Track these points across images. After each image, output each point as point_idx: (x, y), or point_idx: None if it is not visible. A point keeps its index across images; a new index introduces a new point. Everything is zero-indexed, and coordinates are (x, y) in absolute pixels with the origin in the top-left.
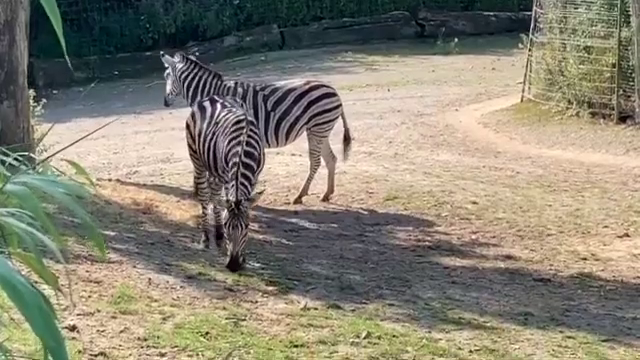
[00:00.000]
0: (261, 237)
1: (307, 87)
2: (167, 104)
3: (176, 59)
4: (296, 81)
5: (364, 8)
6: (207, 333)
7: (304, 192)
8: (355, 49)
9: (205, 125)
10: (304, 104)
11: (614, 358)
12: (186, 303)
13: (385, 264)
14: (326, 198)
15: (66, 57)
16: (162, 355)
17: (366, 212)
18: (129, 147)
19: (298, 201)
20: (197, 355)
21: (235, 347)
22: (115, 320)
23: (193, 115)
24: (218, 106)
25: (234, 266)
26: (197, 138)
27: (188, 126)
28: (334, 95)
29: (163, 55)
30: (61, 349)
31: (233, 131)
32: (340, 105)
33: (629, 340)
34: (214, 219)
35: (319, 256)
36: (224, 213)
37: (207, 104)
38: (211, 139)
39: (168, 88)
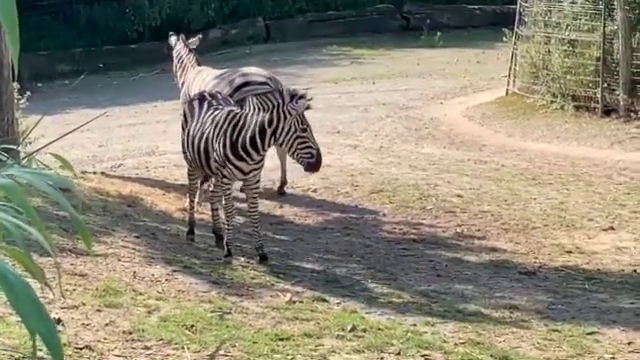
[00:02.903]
0: (246, 230)
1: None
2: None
3: (173, 40)
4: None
5: (349, 1)
6: (192, 326)
7: (283, 181)
8: (340, 42)
9: (199, 122)
10: None
11: (599, 351)
12: (171, 296)
13: (370, 257)
14: (281, 189)
15: (15, 63)
16: (147, 348)
17: (351, 205)
18: (114, 140)
19: (281, 191)
20: (182, 348)
21: (222, 341)
22: (100, 313)
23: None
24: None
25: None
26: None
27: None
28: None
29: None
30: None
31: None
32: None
33: (614, 333)
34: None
35: (304, 249)
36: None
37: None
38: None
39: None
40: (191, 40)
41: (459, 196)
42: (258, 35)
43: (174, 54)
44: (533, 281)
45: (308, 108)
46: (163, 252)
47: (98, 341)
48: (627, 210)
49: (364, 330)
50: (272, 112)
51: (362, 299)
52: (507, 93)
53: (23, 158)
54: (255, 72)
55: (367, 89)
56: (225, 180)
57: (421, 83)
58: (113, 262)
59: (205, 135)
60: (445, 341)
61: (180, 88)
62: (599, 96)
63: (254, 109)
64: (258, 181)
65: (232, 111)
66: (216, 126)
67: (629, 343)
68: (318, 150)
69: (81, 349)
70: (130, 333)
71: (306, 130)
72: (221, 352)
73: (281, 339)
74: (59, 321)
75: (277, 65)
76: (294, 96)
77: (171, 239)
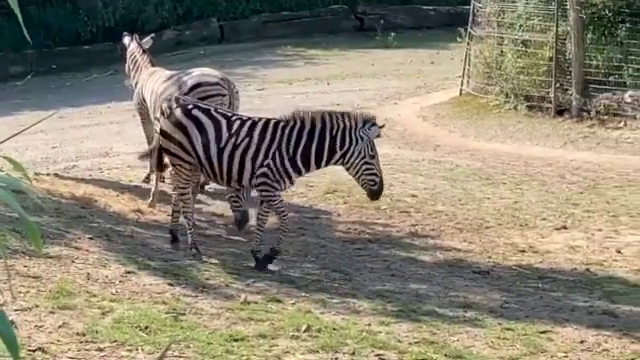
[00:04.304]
0: (201, 231)
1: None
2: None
3: (126, 40)
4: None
5: (303, 2)
6: (146, 327)
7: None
8: (294, 43)
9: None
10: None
11: (552, 349)
12: (125, 298)
13: (325, 257)
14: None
15: None
16: (101, 350)
17: (306, 206)
18: (68, 141)
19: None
20: (136, 350)
21: (171, 342)
22: (54, 315)
23: (185, 126)
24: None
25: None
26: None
27: (170, 136)
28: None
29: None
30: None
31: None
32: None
33: (566, 331)
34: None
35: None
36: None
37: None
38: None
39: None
40: (144, 40)
41: (413, 196)
42: (212, 36)
43: (128, 54)
44: (487, 280)
45: (379, 136)
46: (117, 253)
47: (51, 343)
48: (580, 209)
49: (319, 330)
50: (344, 134)
51: (317, 299)
52: (461, 93)
53: None
54: (208, 73)
55: (321, 90)
56: (277, 193)
57: (375, 83)
58: (67, 264)
59: (241, 147)
60: (399, 340)
61: (133, 89)
62: (552, 96)
63: (298, 122)
64: None
65: (275, 124)
66: (261, 139)
67: (582, 342)
68: (382, 178)
69: (34, 351)
70: (84, 335)
71: (374, 157)
72: (175, 353)
73: (235, 340)
74: (12, 323)
75: (231, 66)
76: (367, 122)
77: (125, 240)
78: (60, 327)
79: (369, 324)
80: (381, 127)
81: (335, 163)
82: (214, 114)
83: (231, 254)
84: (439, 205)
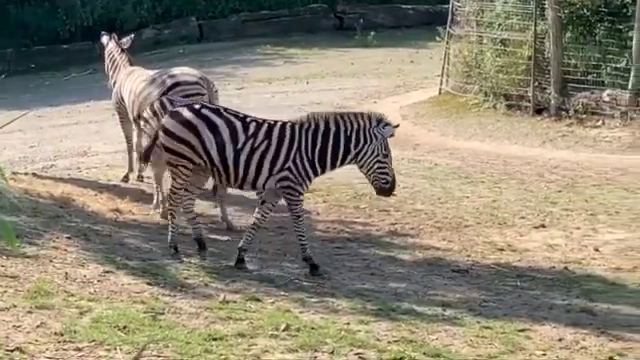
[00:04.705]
0: (180, 231)
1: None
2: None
3: (105, 40)
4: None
5: (283, 1)
6: (125, 327)
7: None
8: (274, 42)
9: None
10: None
11: (530, 347)
12: (104, 297)
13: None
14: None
15: None
16: (79, 350)
17: (285, 205)
18: (46, 141)
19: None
20: (114, 349)
21: (150, 341)
22: (31, 315)
23: (196, 126)
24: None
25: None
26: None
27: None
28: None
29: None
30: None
31: None
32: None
33: (544, 329)
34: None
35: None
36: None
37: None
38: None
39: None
40: (123, 40)
41: (392, 195)
42: (191, 35)
43: (106, 54)
44: (466, 279)
45: (392, 135)
46: (95, 253)
47: (29, 343)
48: (558, 208)
49: (298, 329)
50: (358, 134)
51: (296, 298)
52: (440, 92)
53: None
54: (186, 72)
55: (301, 89)
56: (301, 197)
57: (355, 82)
58: (45, 263)
59: (260, 150)
60: (378, 339)
61: (112, 88)
62: (531, 95)
63: (312, 124)
64: None
65: (292, 126)
66: (280, 142)
67: (560, 339)
68: (394, 177)
69: (12, 351)
70: (62, 335)
71: (387, 156)
72: (154, 353)
73: (214, 339)
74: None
75: (210, 65)
76: (380, 121)
77: (103, 240)
78: (38, 327)
79: (348, 323)
80: (395, 126)
81: (349, 162)
82: (225, 114)
83: (210, 253)
84: (418, 204)
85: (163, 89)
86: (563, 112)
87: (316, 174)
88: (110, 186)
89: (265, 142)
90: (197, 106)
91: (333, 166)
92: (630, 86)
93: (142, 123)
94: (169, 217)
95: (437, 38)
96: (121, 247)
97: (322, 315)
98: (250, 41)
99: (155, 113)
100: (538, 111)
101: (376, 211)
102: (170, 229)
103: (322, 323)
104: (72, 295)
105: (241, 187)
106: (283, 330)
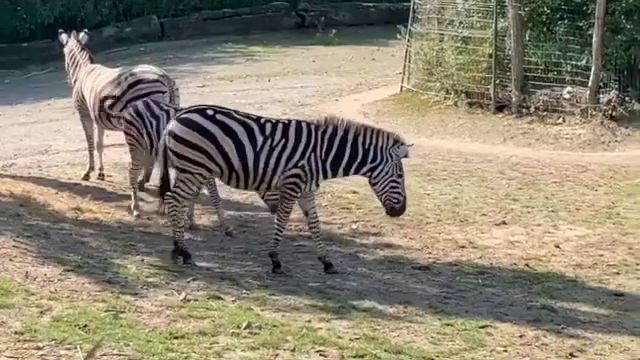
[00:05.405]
0: (141, 229)
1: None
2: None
3: (64, 37)
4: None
5: None
6: (85, 326)
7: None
8: (235, 40)
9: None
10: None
11: (491, 344)
12: (64, 296)
13: (266, 255)
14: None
15: None
16: (39, 349)
17: (247, 203)
18: (6, 139)
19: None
20: (75, 348)
21: (104, 336)
22: None
23: (212, 133)
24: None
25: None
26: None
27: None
28: None
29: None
30: None
31: None
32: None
33: (505, 326)
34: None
35: (199, 247)
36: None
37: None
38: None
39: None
40: (80, 36)
41: (354, 192)
42: (153, 33)
43: (66, 51)
44: (427, 276)
45: (406, 156)
46: (56, 252)
47: None
48: (519, 205)
49: (259, 327)
50: (376, 150)
51: (257, 296)
52: (402, 90)
53: None
54: (147, 70)
55: (263, 86)
56: (298, 195)
57: (316, 80)
58: (4, 262)
59: (277, 150)
60: (340, 337)
61: (73, 86)
62: (492, 92)
63: (330, 127)
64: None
65: (308, 125)
66: (297, 140)
67: (521, 336)
68: (405, 198)
69: None
70: (22, 334)
71: (401, 176)
72: (115, 351)
73: (176, 337)
74: None
75: (172, 63)
76: (397, 141)
77: (64, 238)
78: None
79: (309, 321)
80: (409, 146)
81: (359, 174)
82: (239, 117)
83: (171, 252)
84: (380, 202)
85: (124, 87)
86: (524, 109)
87: (325, 177)
88: (71, 185)
89: (282, 141)
90: (210, 112)
91: (345, 173)
92: (590, 83)
93: (124, 125)
94: (173, 223)
95: (398, 36)
96: (82, 246)
97: (283, 313)
98: (212, 39)
99: (139, 114)
100: (499, 108)
101: (338, 209)
102: (176, 236)
103: (284, 321)
104: (32, 294)
105: (257, 189)
106: (245, 328)
